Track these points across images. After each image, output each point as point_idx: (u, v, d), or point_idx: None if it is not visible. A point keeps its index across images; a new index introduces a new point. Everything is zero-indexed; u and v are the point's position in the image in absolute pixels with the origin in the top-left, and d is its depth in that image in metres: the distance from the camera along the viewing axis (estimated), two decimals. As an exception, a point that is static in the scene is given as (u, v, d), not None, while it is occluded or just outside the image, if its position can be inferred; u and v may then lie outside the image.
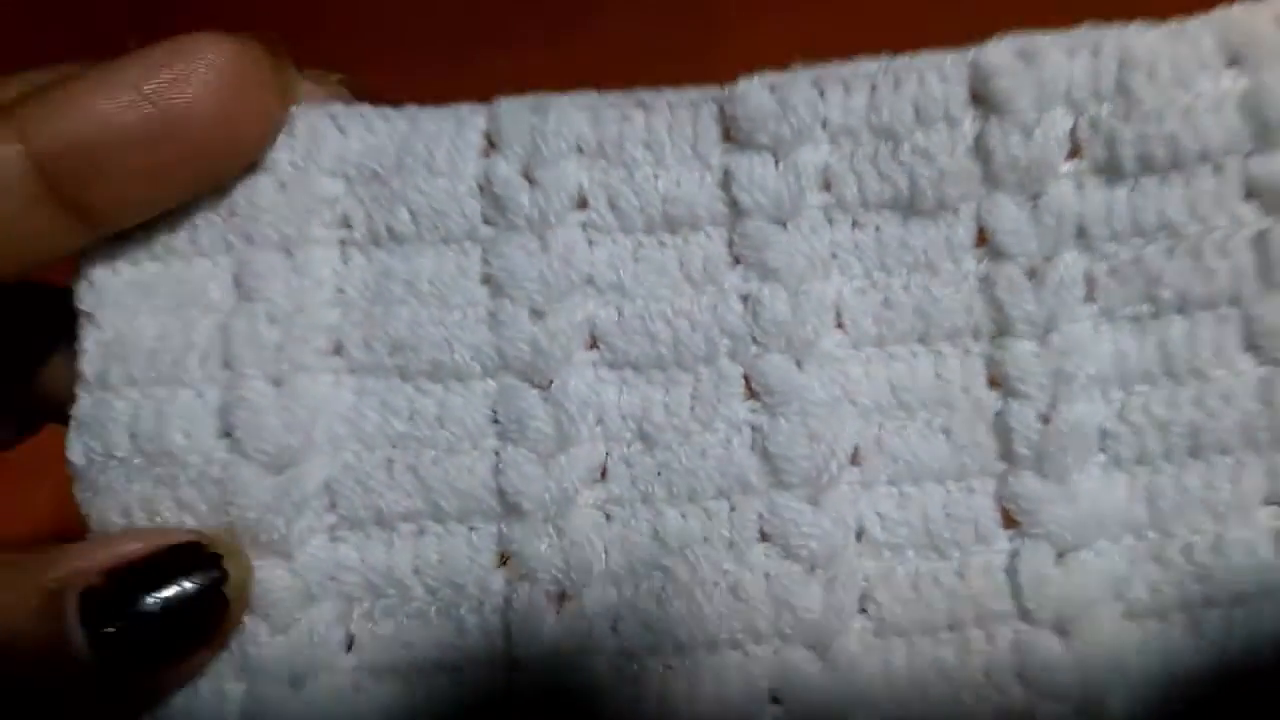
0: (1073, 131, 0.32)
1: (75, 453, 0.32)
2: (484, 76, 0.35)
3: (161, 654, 0.30)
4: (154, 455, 0.32)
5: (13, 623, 0.29)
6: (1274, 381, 0.32)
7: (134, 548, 0.31)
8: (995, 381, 0.33)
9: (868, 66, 0.32)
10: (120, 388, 0.32)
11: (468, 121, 0.33)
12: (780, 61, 0.34)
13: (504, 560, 0.33)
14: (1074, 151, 0.33)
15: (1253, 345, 0.32)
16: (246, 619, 0.32)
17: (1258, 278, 0.32)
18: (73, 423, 0.32)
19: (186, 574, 0.31)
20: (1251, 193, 0.32)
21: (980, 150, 0.32)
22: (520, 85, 0.33)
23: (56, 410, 0.34)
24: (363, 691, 0.33)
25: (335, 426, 0.33)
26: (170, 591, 0.30)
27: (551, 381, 0.32)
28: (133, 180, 0.29)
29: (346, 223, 0.33)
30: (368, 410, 0.33)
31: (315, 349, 0.33)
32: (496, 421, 0.33)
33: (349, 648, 0.33)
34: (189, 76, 0.28)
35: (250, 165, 0.32)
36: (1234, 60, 0.32)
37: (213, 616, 0.31)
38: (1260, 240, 0.32)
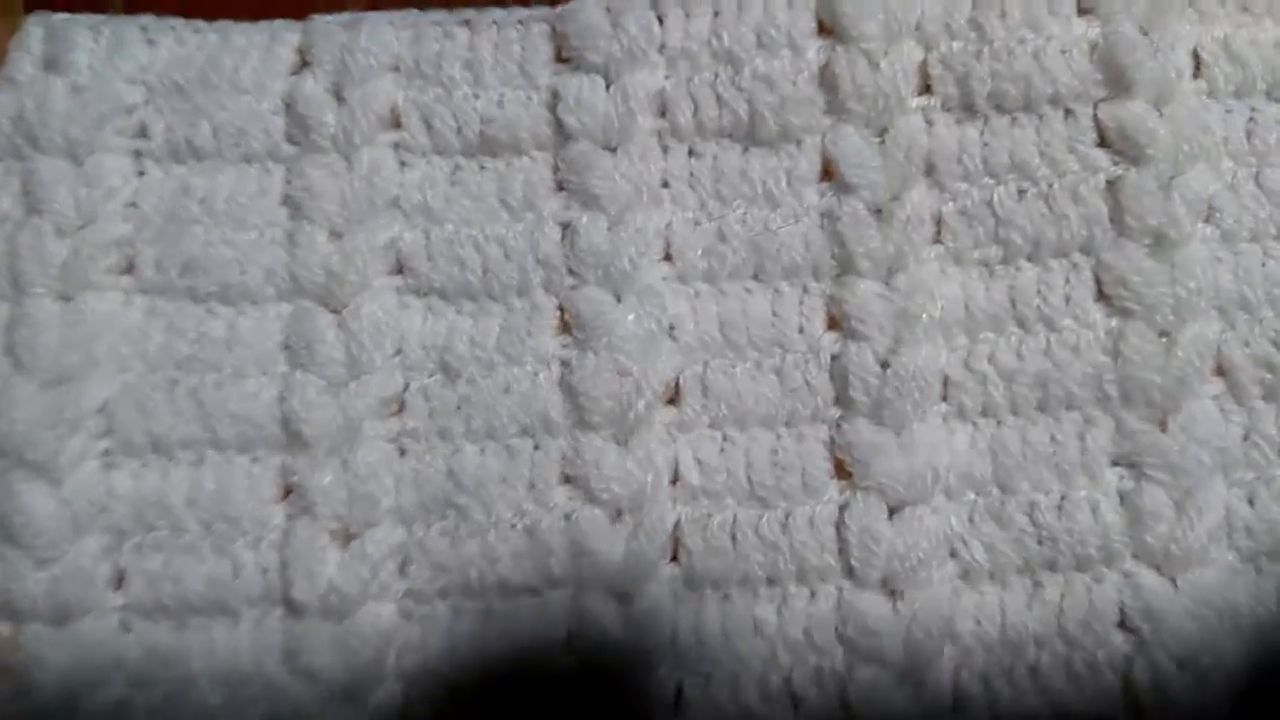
0: (923, 66, 0.33)
1: None
2: None
3: None
4: None
5: None
6: (1124, 333, 0.32)
7: None
8: (834, 323, 0.32)
9: None
10: None
11: (280, 37, 0.33)
12: None
13: (286, 494, 0.32)
14: (924, 87, 0.33)
15: (1103, 295, 0.32)
16: (9, 552, 0.31)
17: (1110, 226, 0.32)
18: None
19: None
20: (1104, 139, 0.32)
21: (825, 79, 0.32)
22: None
23: None
24: (132, 632, 0.32)
25: (120, 347, 0.32)
26: None
27: (346, 306, 0.32)
28: None
29: (144, 133, 0.33)
30: (154, 331, 0.32)
31: (105, 266, 0.32)
32: (287, 347, 0.32)
33: (118, 584, 0.32)
34: None
35: (47, 68, 0.33)
36: (1086, 9, 0.33)
37: None
38: (1113, 188, 0.32)
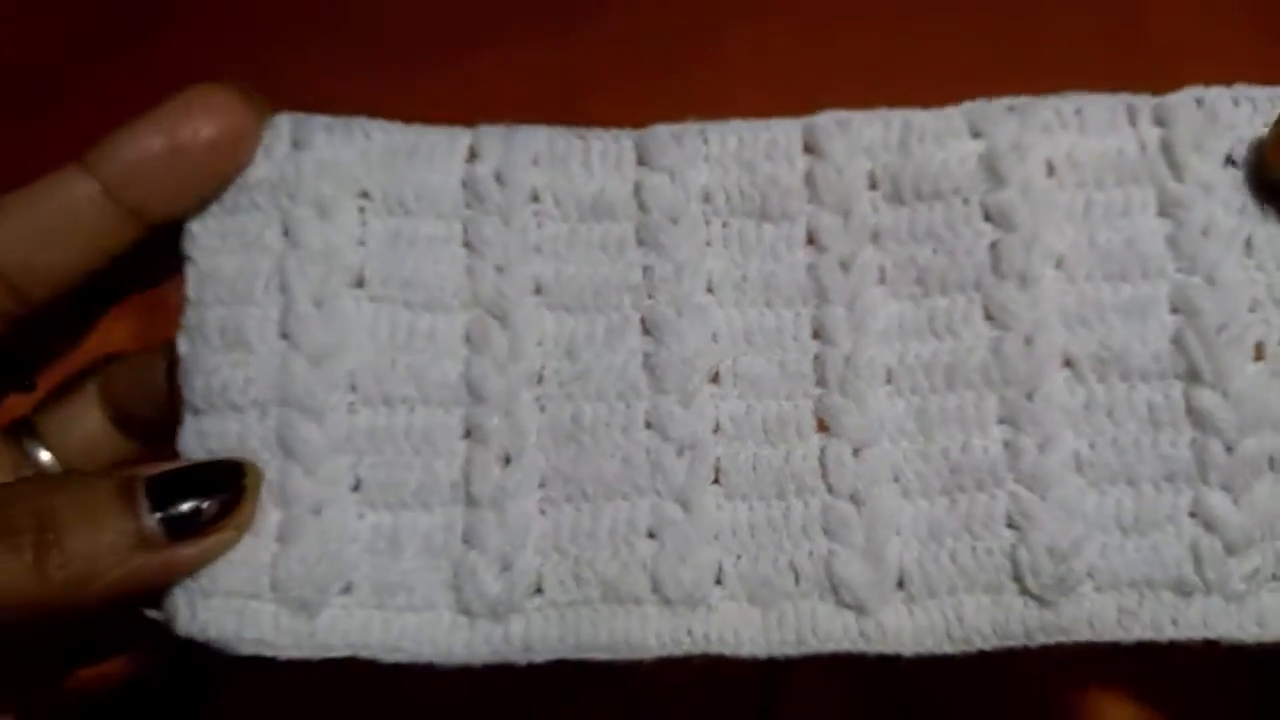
0: (871, 172, 0.46)
1: (182, 345, 0.46)
2: (489, 74, 0.44)
3: (197, 530, 0.42)
4: (234, 345, 0.46)
5: (99, 494, 0.37)
6: (1002, 340, 0.44)
7: (184, 461, 0.44)
8: (816, 333, 0.46)
9: (737, 124, 0.47)
10: (212, 304, 0.46)
11: (458, 137, 0.47)
12: (776, 57, 0.41)
13: (468, 433, 0.46)
14: (872, 184, 0.46)
15: (989, 316, 0.45)
16: (291, 466, 0.45)
17: (993, 271, 0.45)
18: (183, 327, 0.47)
19: (218, 479, 0.43)
20: (988, 216, 0.45)
21: (810, 180, 0.46)
22: (524, 81, 0.41)
23: None
24: (364, 519, 0.46)
25: (359, 336, 0.46)
26: (208, 489, 0.43)
27: (506, 315, 0.46)
28: (160, 187, 0.43)
29: (366, 195, 0.46)
30: (381, 326, 0.46)
31: (345, 282, 0.46)
32: (468, 340, 0.46)
33: (356, 487, 0.46)
34: (190, 115, 0.39)
35: (295, 146, 0.45)
36: (976, 133, 0.46)
37: (232, 509, 0.43)
38: (994, 246, 0.45)
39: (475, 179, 0.46)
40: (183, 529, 0.38)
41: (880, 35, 0.45)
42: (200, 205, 0.45)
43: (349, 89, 0.48)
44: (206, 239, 0.46)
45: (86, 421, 0.45)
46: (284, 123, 0.46)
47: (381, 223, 0.47)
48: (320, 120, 0.46)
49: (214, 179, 0.42)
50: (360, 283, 0.46)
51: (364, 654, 0.44)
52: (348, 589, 0.45)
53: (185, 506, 0.38)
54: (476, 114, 0.47)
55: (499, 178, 0.44)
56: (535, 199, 0.44)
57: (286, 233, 0.46)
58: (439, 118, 0.47)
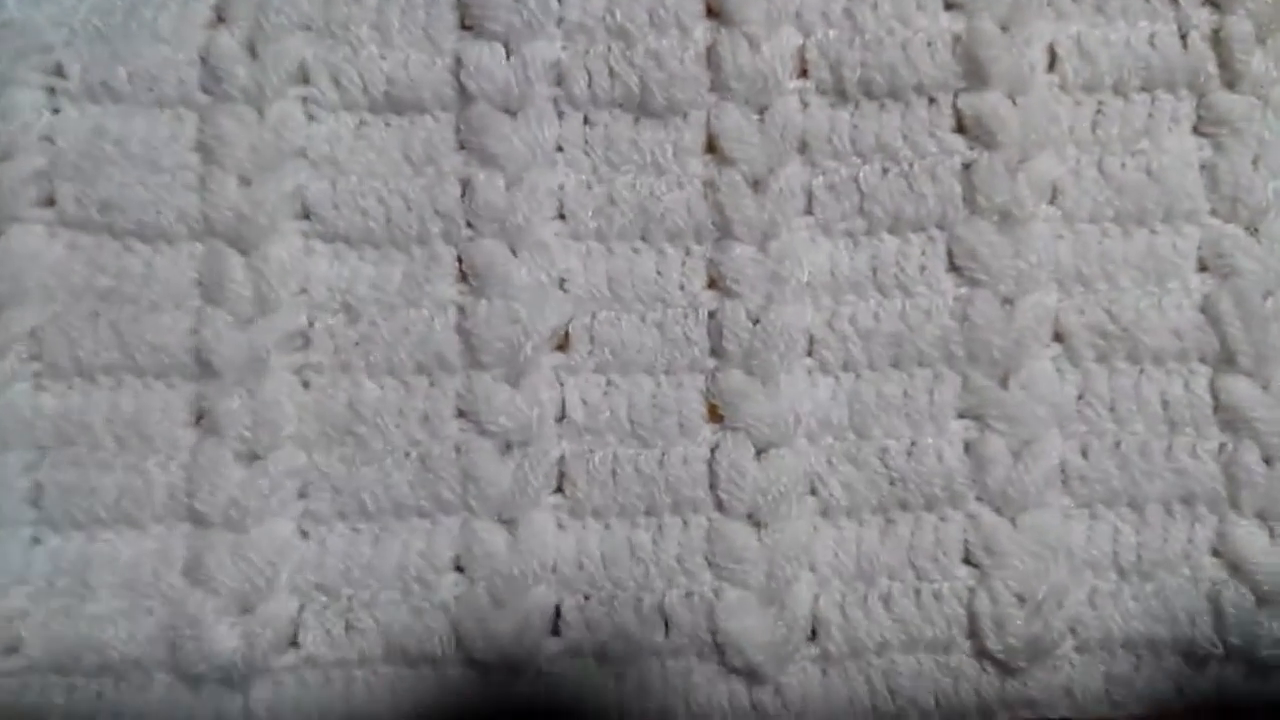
0: (800, 51, 0.36)
1: None
2: None
3: None
4: None
5: None
6: (972, 300, 0.35)
7: None
8: (713, 282, 0.35)
9: None
10: None
11: None
12: None
13: (197, 420, 0.35)
14: (802, 71, 0.36)
15: (954, 266, 0.36)
16: None
17: (963, 204, 0.36)
18: None
19: None
20: (961, 126, 0.36)
21: (711, 59, 0.35)
22: None
23: None
24: (42, 545, 0.34)
25: (45, 278, 0.34)
26: None
27: (255, 248, 0.35)
28: None
29: (60, 72, 0.35)
30: (76, 264, 0.35)
31: (27, 200, 0.35)
32: (200, 284, 0.35)
33: (33, 500, 0.34)
34: None
35: None
36: (952, 4, 0.36)
37: None
38: (967, 170, 0.36)
39: (217, 51, 0.35)
40: None
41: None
42: None
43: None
44: None
45: None
46: None
47: (80, 112, 0.35)
48: None
49: None
50: (50, 200, 0.35)
51: None
52: (14, 647, 0.34)
53: None
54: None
55: (251, 48, 0.35)
56: (304, 80, 0.36)
57: None
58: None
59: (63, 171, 0.34)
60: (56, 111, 0.35)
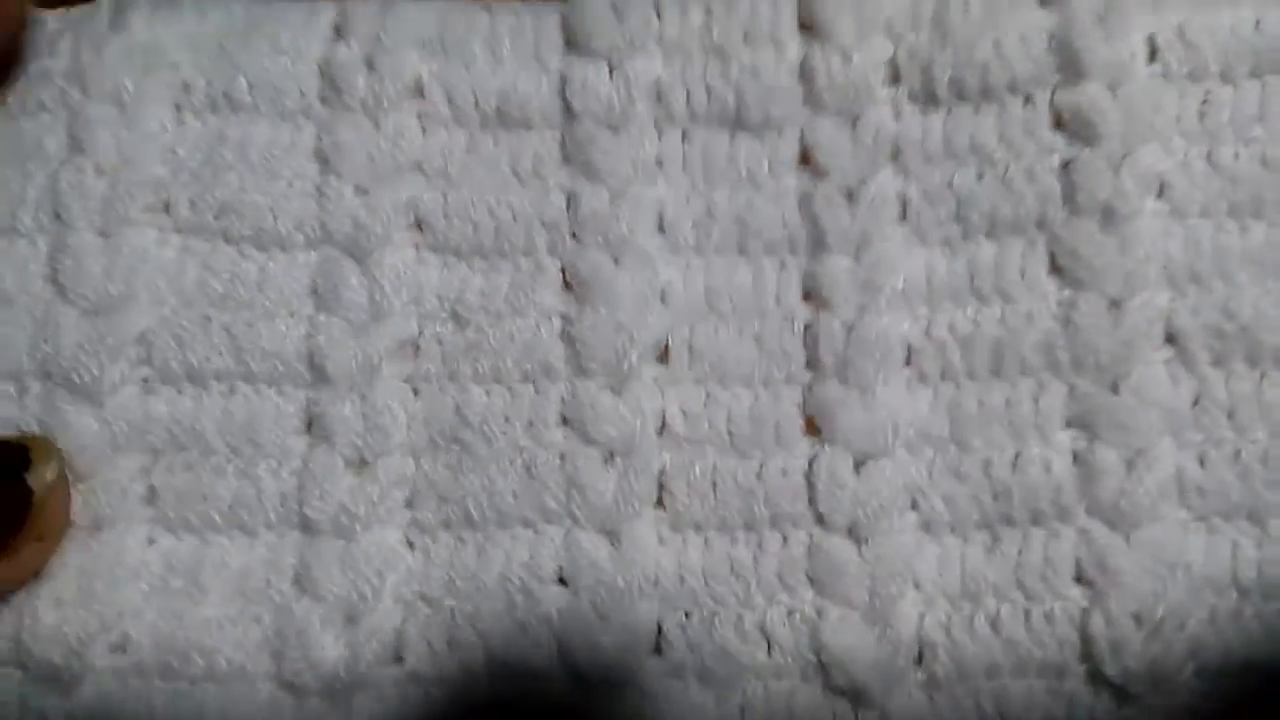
0: (892, 59, 0.36)
1: None
2: None
3: None
4: None
5: None
6: (1076, 304, 0.35)
7: None
8: (808, 294, 0.36)
9: None
10: None
11: (319, 11, 0.37)
12: None
13: (309, 426, 0.36)
14: (893, 78, 0.36)
15: (1056, 268, 0.35)
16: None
17: (1064, 203, 0.35)
18: None
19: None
20: (1059, 123, 0.35)
21: (804, 73, 0.36)
22: None
23: None
24: (155, 545, 0.36)
25: (157, 280, 0.36)
26: None
27: (369, 256, 0.36)
28: None
29: (185, 87, 0.37)
30: (189, 268, 0.36)
31: (143, 204, 0.36)
32: (315, 291, 0.36)
33: (148, 500, 0.36)
34: None
35: (111, 27, 0.37)
36: (1046, 0, 0.36)
37: (22, 508, 0.34)
38: (1067, 167, 0.35)
39: (336, 63, 0.37)
40: None
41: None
42: None
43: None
44: None
45: None
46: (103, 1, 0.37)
47: (202, 124, 0.37)
48: None
49: None
50: (166, 206, 0.37)
51: None
52: (121, 645, 0.35)
53: None
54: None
55: (369, 62, 0.37)
56: (419, 93, 0.37)
57: (71, 137, 0.37)
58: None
59: (180, 177, 0.36)
60: (181, 124, 0.37)
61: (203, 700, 0.35)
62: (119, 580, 0.35)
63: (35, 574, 0.34)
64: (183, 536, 0.36)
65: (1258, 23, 0.35)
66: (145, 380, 0.36)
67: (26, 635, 0.34)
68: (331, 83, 0.36)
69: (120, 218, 0.36)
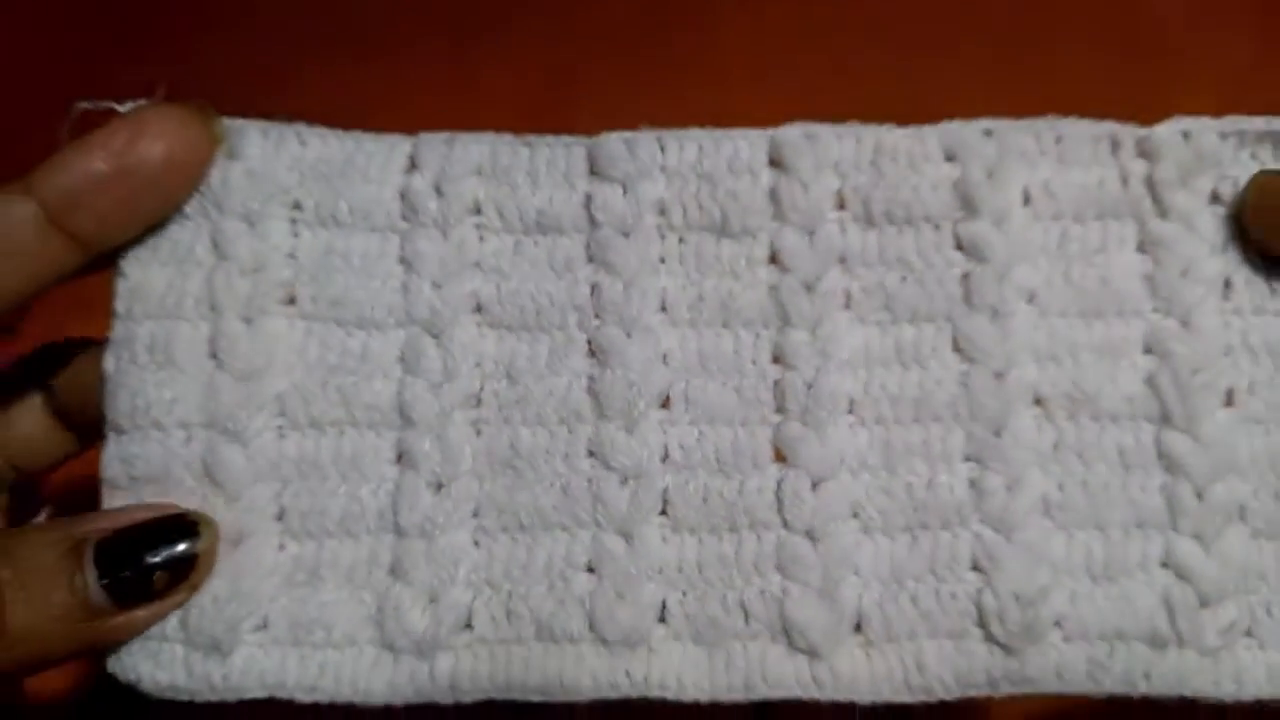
0: (839, 191, 0.46)
1: (108, 362, 0.45)
2: (481, 63, 0.44)
3: (148, 595, 0.41)
4: (162, 364, 0.45)
5: (44, 562, 0.37)
6: (971, 374, 0.45)
7: (140, 515, 0.42)
8: (777, 358, 0.46)
9: (697, 132, 0.47)
10: (141, 320, 0.45)
11: (397, 146, 0.47)
12: (772, 46, 0.42)
13: (399, 459, 0.45)
14: (840, 204, 0.46)
15: (958, 348, 0.45)
16: (210, 491, 0.44)
17: (964, 301, 0.45)
18: (109, 343, 0.45)
19: (173, 539, 0.42)
20: (959, 245, 0.45)
21: (773, 196, 0.46)
22: (520, 73, 0.41)
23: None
24: (285, 550, 0.45)
25: (288, 356, 0.45)
26: (161, 550, 0.42)
27: (443, 333, 0.45)
28: (107, 213, 0.42)
29: (298, 206, 0.46)
30: (311, 346, 0.46)
31: (275, 299, 0.46)
32: (402, 360, 0.46)
33: (279, 517, 0.45)
34: (140, 137, 0.39)
35: (229, 156, 0.45)
36: (951, 157, 0.46)
37: (187, 570, 0.42)
38: (966, 278, 0.45)
39: (412, 190, 0.46)
40: (132, 595, 0.38)
41: (869, 26, 0.43)
42: (149, 232, 0.44)
43: (340, 83, 0.46)
44: (136, 251, 0.45)
45: (27, 417, 0.44)
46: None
47: (314, 236, 0.46)
48: (256, 127, 0.46)
49: (164, 205, 0.44)
50: (291, 299, 0.46)
51: (280, 694, 0.43)
52: (263, 624, 0.44)
53: (136, 573, 0.38)
54: (470, 111, 0.46)
55: (438, 189, 0.46)
56: (476, 211, 0.46)
57: (215, 246, 0.45)
58: (424, 108, 0.45)
59: (302, 279, 0.45)
60: (297, 236, 0.45)
61: (324, 662, 0.43)
62: (259, 577, 0.44)
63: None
64: (304, 542, 0.44)
65: (1101, 181, 0.45)
66: (280, 428, 0.45)
67: (193, 620, 0.42)
68: (410, 204, 0.46)
69: (259, 309, 0.45)
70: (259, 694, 0.43)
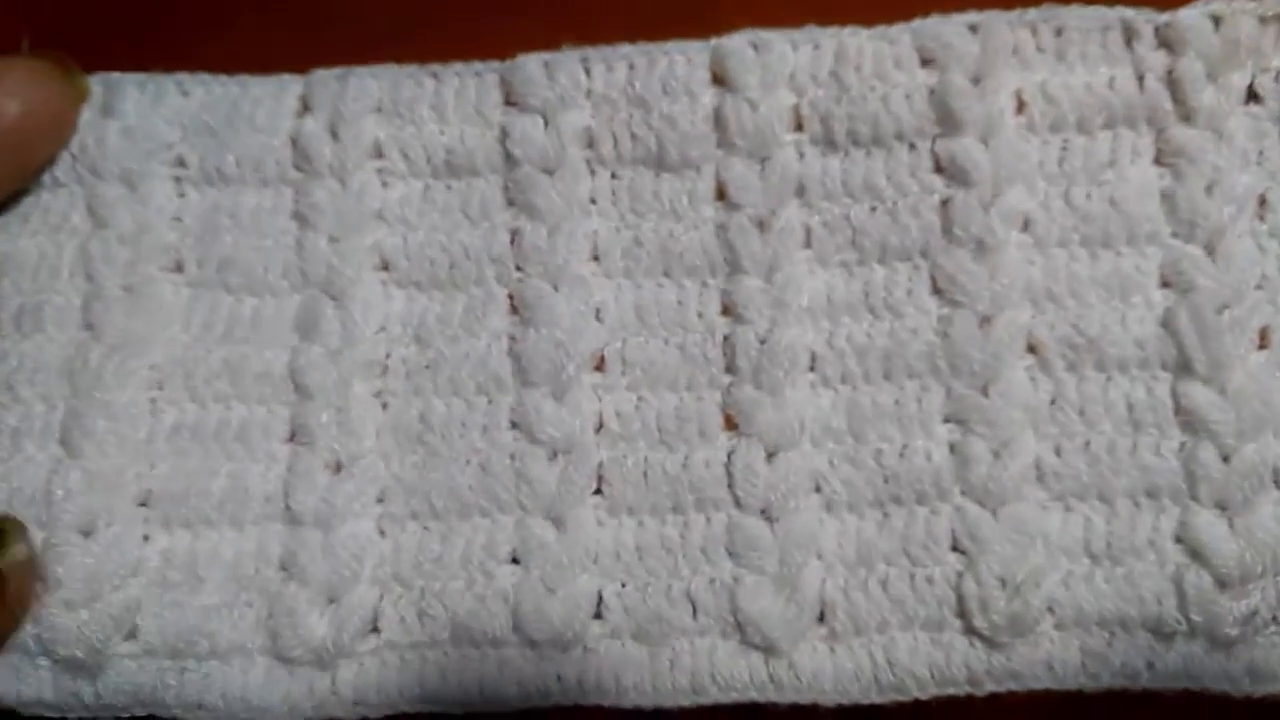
0: (795, 109, 0.43)
1: None
2: (492, 40, 0.44)
3: None
4: (29, 333, 0.43)
5: None
6: (952, 320, 0.42)
7: None
8: (726, 310, 0.43)
9: (626, 49, 0.44)
10: (10, 294, 0.44)
11: (287, 88, 0.45)
12: (771, 17, 0.42)
13: (292, 436, 0.43)
14: (797, 125, 0.43)
15: (937, 290, 0.42)
16: (72, 464, 0.41)
17: (943, 235, 0.42)
18: None
19: None
20: (938, 167, 0.42)
21: (718, 120, 0.43)
22: (525, 47, 0.43)
23: None
24: (153, 542, 0.42)
25: (172, 324, 0.43)
26: None
27: (343, 293, 0.43)
28: None
29: (182, 163, 0.44)
30: (197, 313, 0.44)
31: (159, 265, 0.44)
32: (298, 325, 0.44)
33: (144, 502, 0.42)
34: None
35: (104, 114, 0.44)
36: (927, 60, 0.42)
37: None
38: (945, 205, 0.42)
39: (305, 135, 0.44)
40: None
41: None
42: (16, 194, 0.44)
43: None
44: (4, 220, 0.44)
45: None
46: (95, 86, 0.44)
47: (200, 194, 0.44)
48: (132, 80, 0.44)
49: (24, 167, 0.43)
50: (178, 265, 0.44)
51: (162, 713, 0.41)
52: (132, 633, 0.42)
53: None
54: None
55: (333, 132, 0.44)
56: (377, 154, 0.44)
57: (92, 212, 0.44)
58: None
59: (188, 243, 0.43)
60: (182, 195, 0.44)
61: (209, 676, 0.41)
62: (121, 579, 0.41)
63: None
64: (177, 533, 0.42)
65: (1111, 80, 0.41)
66: (154, 400, 0.43)
67: (46, 636, 0.40)
68: (302, 152, 0.44)
69: (142, 277, 0.43)
70: (139, 712, 0.41)
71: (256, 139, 0.43)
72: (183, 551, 0.42)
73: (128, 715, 0.41)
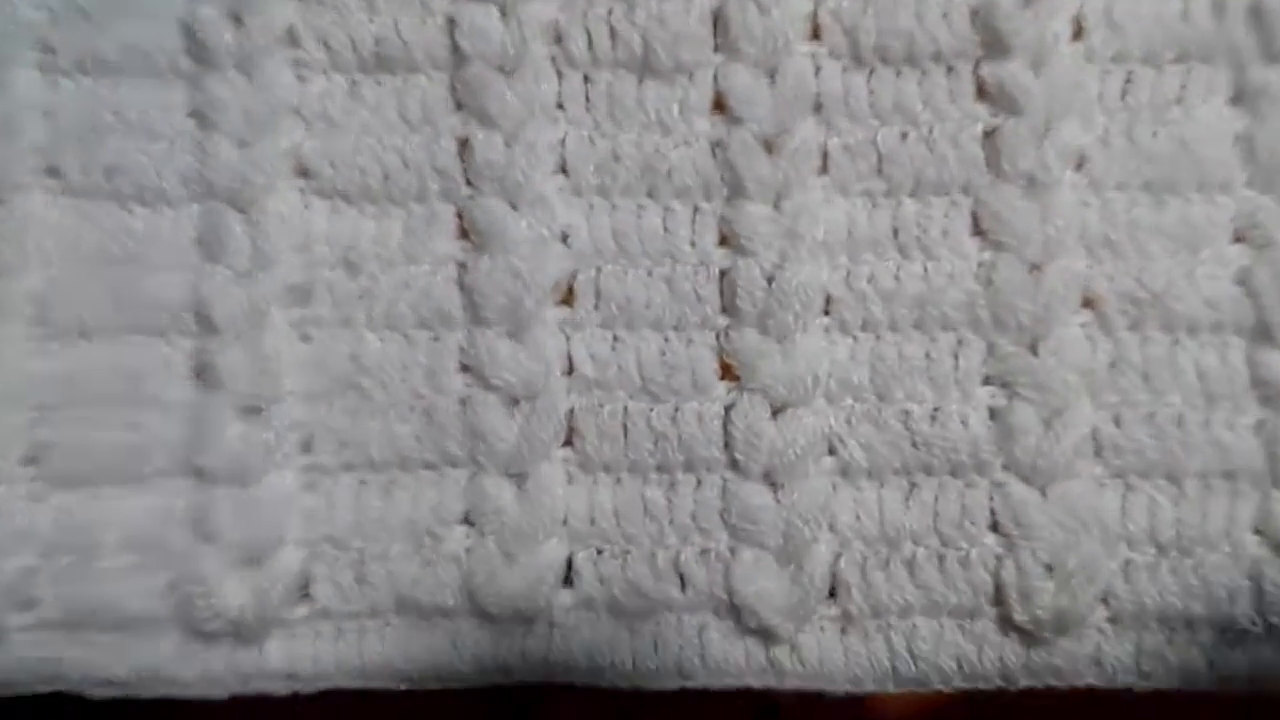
0: (813, 15, 0.43)
1: None
2: None
3: None
4: None
5: None
6: (996, 265, 0.42)
7: None
8: (725, 240, 0.43)
9: None
10: None
11: None
12: None
13: (197, 375, 0.42)
14: (814, 34, 0.43)
15: (979, 230, 0.42)
16: None
17: (987, 169, 0.42)
18: None
19: None
20: (982, 93, 0.42)
21: (719, 20, 0.43)
22: None
23: None
24: (44, 502, 0.38)
25: (46, 242, 0.42)
26: None
27: (253, 205, 0.42)
28: None
29: (49, 48, 0.43)
30: (80, 229, 0.42)
31: (29, 169, 0.42)
32: (200, 243, 0.42)
33: (31, 460, 0.40)
34: None
35: None
36: None
37: None
38: (990, 135, 0.42)
39: (201, 20, 0.42)
40: None
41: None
42: None
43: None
44: None
45: None
46: None
47: (76, 86, 0.42)
48: None
49: None
50: (52, 171, 0.42)
51: (67, 689, 0.38)
52: (27, 604, 0.39)
53: None
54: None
55: (236, 16, 0.42)
56: (292, 43, 0.42)
57: None
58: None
59: (64, 142, 0.42)
60: (54, 87, 0.42)
61: (113, 650, 0.39)
62: (9, 545, 0.39)
63: None
64: (70, 492, 0.40)
65: (1185, 10, 0.42)
66: (35, 338, 0.40)
67: None
68: (199, 39, 0.43)
69: (10, 184, 0.41)
70: (42, 689, 0.38)
71: (140, 24, 0.41)
72: (78, 513, 0.40)
73: (29, 693, 0.38)
